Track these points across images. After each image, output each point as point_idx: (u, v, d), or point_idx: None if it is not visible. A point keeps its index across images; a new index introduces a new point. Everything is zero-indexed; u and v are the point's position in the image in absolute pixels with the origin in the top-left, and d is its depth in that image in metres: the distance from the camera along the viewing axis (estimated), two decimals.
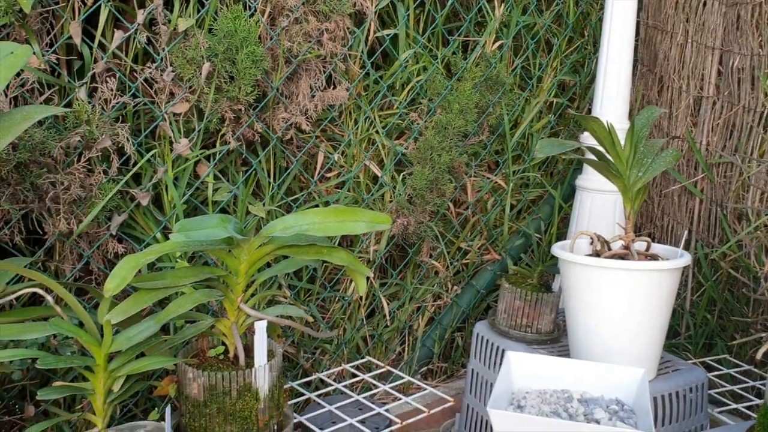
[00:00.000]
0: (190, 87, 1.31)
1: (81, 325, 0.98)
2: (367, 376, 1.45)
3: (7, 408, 1.24)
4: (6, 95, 1.12)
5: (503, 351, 1.47)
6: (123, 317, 0.97)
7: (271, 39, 1.40)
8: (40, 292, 0.94)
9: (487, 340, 1.51)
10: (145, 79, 1.30)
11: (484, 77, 1.77)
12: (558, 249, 1.31)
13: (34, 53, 1.14)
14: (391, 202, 1.70)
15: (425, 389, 1.45)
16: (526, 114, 1.93)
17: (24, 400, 1.26)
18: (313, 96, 1.48)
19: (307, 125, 1.48)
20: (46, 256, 1.24)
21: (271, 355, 1.15)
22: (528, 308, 1.50)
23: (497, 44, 1.83)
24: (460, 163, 1.78)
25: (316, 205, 1.59)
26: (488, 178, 1.90)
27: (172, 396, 1.30)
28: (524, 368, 1.17)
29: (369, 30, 1.60)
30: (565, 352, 1.43)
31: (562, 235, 1.98)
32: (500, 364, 1.47)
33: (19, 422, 1.26)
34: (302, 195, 1.57)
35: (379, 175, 1.67)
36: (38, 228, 1.22)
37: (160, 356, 1.01)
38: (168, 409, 1.01)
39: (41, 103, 1.18)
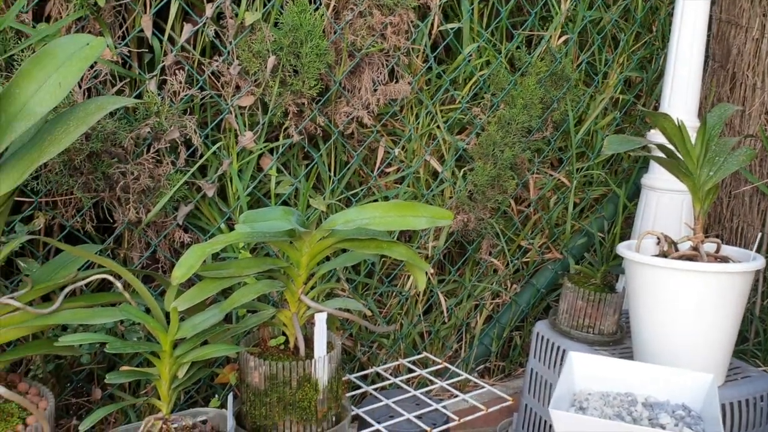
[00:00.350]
0: (256, 80, 1.33)
1: (148, 311, 1.01)
2: (424, 372, 1.45)
3: (76, 390, 1.28)
4: (80, 86, 1.16)
5: (564, 351, 1.44)
6: (189, 305, 0.99)
7: (335, 33, 1.40)
8: (110, 278, 0.97)
9: (548, 340, 1.49)
10: (212, 72, 1.32)
11: (548, 72, 1.74)
12: (624, 249, 1.28)
13: (107, 46, 1.18)
14: (451, 198, 1.69)
15: (482, 387, 1.44)
16: (591, 110, 1.89)
17: (91, 383, 1.30)
18: (376, 90, 1.48)
19: (369, 119, 1.49)
20: (115, 243, 1.28)
21: (330, 347, 1.15)
22: (590, 309, 1.47)
23: (562, 39, 1.79)
24: (522, 160, 1.75)
25: (376, 200, 1.59)
26: (551, 175, 1.87)
27: (232, 384, 1.32)
28: (587, 369, 1.14)
29: (433, 24, 1.59)
30: (627, 355, 1.40)
31: (625, 235, 1.93)
32: (561, 364, 1.45)
33: (86, 404, 1.30)
34: (362, 189, 1.58)
35: (440, 170, 1.67)
36: (108, 216, 1.26)
37: (224, 344, 1.02)
38: (230, 397, 1.02)
39: (113, 95, 1.21)
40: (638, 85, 1.99)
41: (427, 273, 1.12)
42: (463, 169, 1.71)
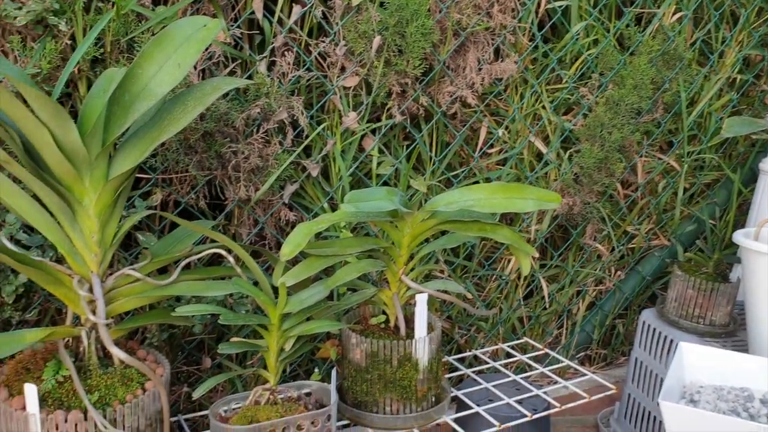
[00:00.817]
0: (361, 61, 1.34)
1: (256, 285, 1.04)
2: (524, 357, 1.43)
3: (187, 359, 1.35)
4: (195, 68, 1.20)
5: (671, 341, 1.39)
6: (296, 281, 1.02)
7: (440, 11, 1.39)
8: (223, 252, 1.00)
9: (654, 329, 1.44)
10: (319, 53, 1.34)
11: (660, 51, 1.66)
12: (741, 237, 1.21)
13: (221, 27, 1.21)
14: (555, 180, 1.65)
15: (584, 375, 1.40)
16: (705, 91, 1.79)
17: (201, 353, 1.36)
18: (480, 69, 1.46)
19: (473, 99, 1.47)
20: (226, 220, 1.32)
21: (430, 328, 1.15)
22: (701, 298, 1.41)
23: (676, 17, 1.71)
24: (631, 142, 1.69)
25: (476, 182, 1.58)
26: (660, 158, 1.79)
27: (333, 359, 1.35)
28: (698, 361, 1.09)
29: (540, 2, 1.55)
30: (740, 347, 1.33)
31: (739, 223, 1.83)
32: (667, 354, 1.39)
33: (197, 372, 1.36)
34: (463, 171, 1.56)
35: (544, 152, 1.63)
36: (220, 194, 1.30)
37: (328, 320, 1.04)
38: (333, 372, 1.04)
39: (226, 76, 1.25)
40: (759, 64, 1.87)
41: (532, 257, 1.10)
42: (568, 151, 1.66)
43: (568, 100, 1.67)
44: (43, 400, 0.85)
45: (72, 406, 0.85)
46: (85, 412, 0.84)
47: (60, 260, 1.09)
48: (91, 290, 0.90)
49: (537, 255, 1.08)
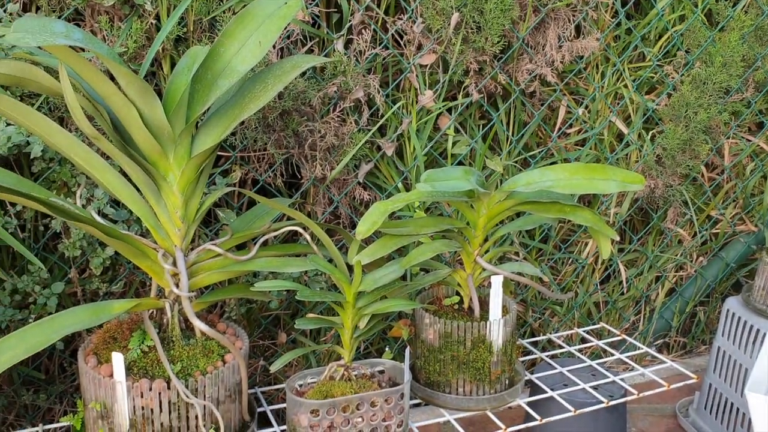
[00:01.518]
0: (438, 38, 1.32)
1: (331, 263, 1.05)
2: (600, 343, 1.40)
3: (263, 333, 1.38)
4: (274, 47, 1.21)
5: (758, 331, 1.33)
6: (370, 259, 1.02)
7: None
8: (300, 230, 1.01)
9: (740, 318, 1.38)
10: (396, 31, 1.33)
11: (753, 27, 1.58)
12: None
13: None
14: (637, 162, 1.59)
15: (662, 362, 1.36)
16: None
17: (277, 328, 1.39)
18: (561, 46, 1.42)
19: (552, 77, 1.43)
20: (301, 198, 1.34)
21: (505, 310, 1.14)
22: None
23: None
24: (718, 123, 1.61)
25: (554, 162, 1.54)
26: (749, 140, 1.70)
27: (404, 338, 1.35)
28: None
29: None
30: None
31: None
32: (753, 344, 1.34)
33: (272, 347, 1.39)
34: (540, 151, 1.53)
35: (626, 132, 1.57)
36: (297, 172, 1.32)
37: (402, 299, 1.04)
38: (407, 351, 1.05)
39: (305, 54, 1.26)
40: None
41: (612, 240, 1.07)
42: (651, 132, 1.60)
43: (652, 79, 1.61)
44: (128, 369, 0.88)
45: (156, 375, 0.88)
46: (168, 381, 0.87)
47: (144, 235, 1.13)
48: (174, 264, 0.92)
49: (617, 238, 1.05)
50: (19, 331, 0.81)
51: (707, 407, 1.45)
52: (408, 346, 1.07)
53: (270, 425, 1.07)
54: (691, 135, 1.54)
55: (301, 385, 1.04)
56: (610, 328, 1.47)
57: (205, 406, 0.89)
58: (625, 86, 1.57)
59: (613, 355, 1.35)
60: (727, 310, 1.42)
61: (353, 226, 1.39)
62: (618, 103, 1.58)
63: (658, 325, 1.74)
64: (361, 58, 1.29)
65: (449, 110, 1.41)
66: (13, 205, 1.11)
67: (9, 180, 0.85)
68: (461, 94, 1.41)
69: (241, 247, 1.04)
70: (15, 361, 0.79)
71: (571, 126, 1.57)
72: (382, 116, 1.34)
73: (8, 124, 1.05)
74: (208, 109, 0.90)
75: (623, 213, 1.60)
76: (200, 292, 1.17)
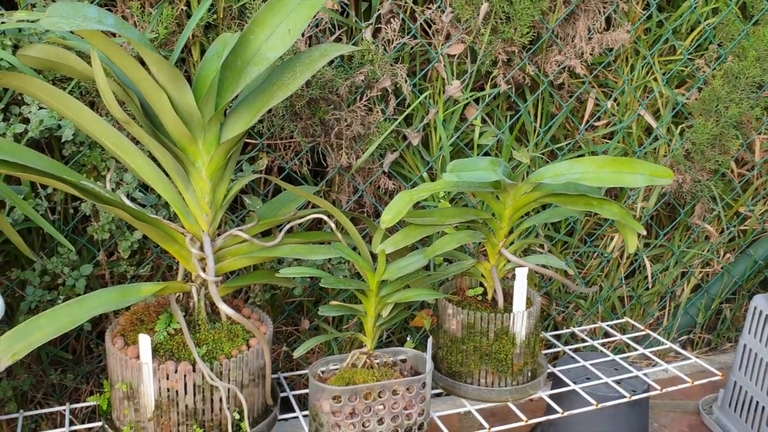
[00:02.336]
0: (467, 28, 1.32)
1: (355, 251, 1.05)
2: (624, 337, 1.39)
3: (286, 320, 1.39)
4: (303, 35, 1.21)
5: None
6: (394, 248, 1.02)
7: None
8: (325, 218, 1.02)
9: (767, 316, 1.36)
10: (424, 20, 1.32)
11: None
12: None
13: None
14: (665, 156, 1.57)
15: (686, 359, 1.35)
16: None
17: (300, 314, 1.40)
18: (590, 38, 1.41)
19: (581, 69, 1.42)
20: (326, 187, 1.34)
21: (529, 302, 1.14)
22: None
23: None
24: (749, 118, 1.59)
25: (581, 155, 1.53)
26: None
27: (426, 328, 1.35)
28: None
29: None
30: None
31: None
32: None
33: (294, 333, 1.40)
34: (568, 144, 1.52)
35: (654, 126, 1.56)
36: (322, 161, 1.32)
37: (426, 289, 1.04)
38: (429, 340, 1.05)
39: (333, 42, 1.26)
40: None
41: (638, 235, 1.06)
42: (680, 126, 1.58)
43: (682, 73, 1.59)
44: (155, 351, 0.89)
45: (182, 358, 0.89)
46: (193, 364, 0.88)
47: (172, 219, 1.14)
48: (201, 248, 0.93)
49: (644, 233, 1.04)
50: (49, 311, 0.82)
51: (732, 405, 1.44)
52: (430, 336, 1.08)
53: (292, 410, 1.08)
54: (722, 130, 1.52)
55: (323, 372, 1.05)
56: (634, 323, 1.46)
57: (229, 389, 0.90)
58: (655, 80, 1.55)
59: (636, 350, 1.34)
60: (755, 308, 1.40)
61: (377, 215, 1.40)
62: (647, 97, 1.56)
63: (683, 321, 1.72)
64: (389, 47, 1.29)
65: (476, 101, 1.41)
66: (44, 187, 1.13)
67: (41, 163, 0.86)
68: (489, 84, 1.40)
69: (266, 234, 1.05)
70: (45, 340, 0.80)
71: (599, 119, 1.56)
72: (409, 106, 1.34)
73: (40, 108, 1.07)
74: (236, 96, 0.91)
75: (650, 207, 1.59)
76: (225, 277, 1.18)
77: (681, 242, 1.68)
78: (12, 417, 1.09)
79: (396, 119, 1.32)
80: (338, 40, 1.27)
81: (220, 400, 0.90)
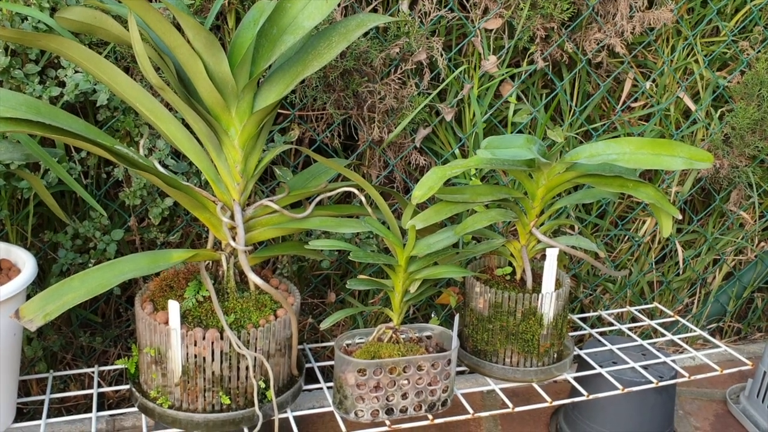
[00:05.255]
0: (506, 2, 1.29)
1: (384, 225, 1.04)
2: (653, 322, 1.37)
3: (312, 292, 1.39)
4: (339, 5, 1.20)
5: None
6: (424, 225, 1.01)
7: None
8: (355, 191, 1.01)
9: None
10: None
11: None
12: None
13: None
14: (703, 140, 1.54)
15: (716, 347, 1.33)
16: None
17: (326, 287, 1.40)
18: (632, 16, 1.37)
19: (621, 48, 1.38)
20: (357, 160, 1.33)
21: (558, 284, 1.13)
22: None
23: None
24: None
25: (616, 136, 1.50)
26: None
27: (452, 306, 1.34)
28: None
29: None
30: None
31: None
32: None
33: (320, 305, 1.40)
34: (603, 124, 1.49)
35: (693, 109, 1.52)
36: (354, 134, 1.31)
37: (454, 266, 1.04)
38: (456, 317, 1.04)
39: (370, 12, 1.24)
40: None
41: (673, 219, 1.04)
42: (720, 110, 1.54)
43: (725, 55, 1.54)
44: (183, 317, 0.90)
45: (209, 325, 0.90)
46: (221, 331, 0.88)
47: (203, 188, 1.14)
48: (232, 217, 0.93)
49: (679, 217, 1.02)
50: (81, 274, 0.83)
51: (760, 395, 1.41)
52: (457, 314, 1.07)
53: (316, 381, 1.09)
54: (763, 115, 1.48)
55: (348, 345, 1.05)
56: (663, 308, 1.44)
57: (255, 357, 0.90)
58: (696, 61, 1.51)
59: (664, 335, 1.33)
60: None
61: (407, 191, 1.39)
62: (687, 79, 1.53)
63: (713, 309, 1.70)
64: (426, 19, 1.26)
65: (512, 77, 1.38)
66: (78, 151, 1.13)
67: (77, 126, 0.86)
68: (525, 61, 1.38)
69: (295, 206, 1.04)
70: (77, 302, 0.81)
71: (636, 100, 1.52)
72: (443, 80, 1.32)
73: (76, 71, 1.07)
74: (270, 65, 0.90)
75: (685, 192, 1.56)
76: (254, 247, 1.19)
77: (715, 229, 1.65)
78: (42, 377, 1.11)
79: (430, 94, 1.30)
80: (374, 11, 1.25)
81: (247, 368, 0.90)
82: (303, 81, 1.21)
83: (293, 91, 1.22)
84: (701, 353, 1.27)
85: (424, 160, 1.35)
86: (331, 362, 1.09)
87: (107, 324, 1.27)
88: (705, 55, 1.51)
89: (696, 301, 1.69)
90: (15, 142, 0.94)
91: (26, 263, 0.93)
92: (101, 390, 1.06)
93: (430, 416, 1.01)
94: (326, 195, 1.02)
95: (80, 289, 0.82)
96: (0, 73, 1.03)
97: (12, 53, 1.05)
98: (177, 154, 1.18)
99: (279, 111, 1.25)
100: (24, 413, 1.21)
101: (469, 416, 1.04)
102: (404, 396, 0.99)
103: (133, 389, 0.95)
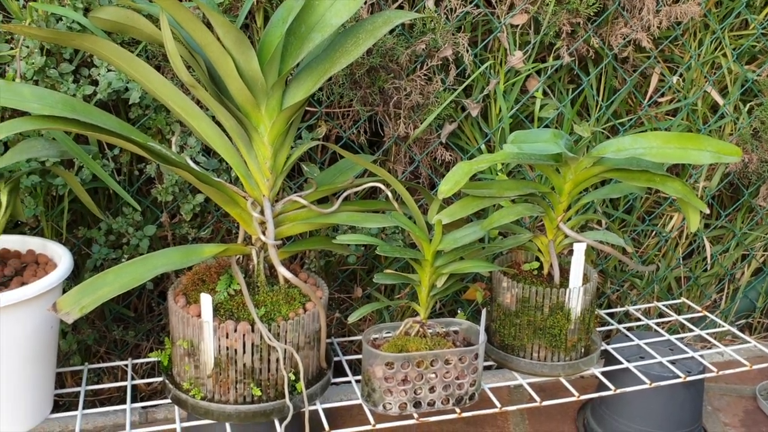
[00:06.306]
0: None
1: (410, 220, 1.05)
2: (680, 318, 1.36)
3: (339, 287, 1.40)
4: (365, 2, 1.21)
5: None
6: (451, 219, 1.02)
7: None
8: (382, 186, 1.02)
9: None
10: None
11: None
12: None
13: None
14: (731, 135, 1.53)
15: (746, 342, 1.32)
16: None
17: (353, 282, 1.41)
18: (659, 11, 1.37)
19: (648, 43, 1.38)
20: (383, 156, 1.34)
21: (585, 278, 1.13)
22: None
23: None
24: None
25: (643, 131, 1.49)
26: None
27: (478, 302, 1.35)
28: None
29: None
30: None
31: None
32: None
33: (347, 300, 1.42)
34: (630, 119, 1.48)
35: (721, 103, 1.51)
36: (380, 130, 1.32)
37: (481, 261, 1.04)
38: (484, 312, 1.05)
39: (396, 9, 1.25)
40: None
41: (701, 213, 1.04)
42: (748, 104, 1.53)
43: (754, 48, 1.53)
44: (215, 310, 0.92)
45: (241, 318, 0.91)
46: (252, 324, 0.90)
47: (233, 184, 1.16)
48: (262, 212, 0.95)
49: (707, 211, 1.01)
50: (116, 268, 0.85)
51: None
52: (483, 309, 1.08)
53: (344, 374, 1.10)
54: None
55: (376, 339, 1.06)
56: (691, 304, 1.43)
57: (286, 350, 0.92)
58: (724, 55, 1.50)
59: (692, 331, 1.32)
60: None
61: (432, 186, 1.39)
62: (714, 73, 1.51)
63: (741, 305, 1.68)
64: (452, 16, 1.27)
65: (538, 72, 1.38)
66: (111, 148, 1.16)
67: (111, 123, 0.88)
68: (551, 56, 1.38)
69: (322, 201, 1.06)
70: (111, 296, 0.83)
71: (663, 95, 1.51)
72: (469, 76, 1.32)
73: (109, 70, 1.09)
74: (298, 63, 0.91)
75: (712, 187, 1.55)
76: (283, 242, 1.20)
77: (743, 224, 1.63)
78: (76, 369, 1.14)
79: (455, 89, 1.30)
80: (400, 8, 1.26)
81: (277, 360, 0.92)
82: (330, 78, 1.22)
83: (320, 89, 1.24)
84: (730, 349, 1.27)
85: (450, 155, 1.36)
86: (358, 356, 1.10)
87: (139, 318, 1.29)
88: (733, 49, 1.50)
89: (724, 297, 1.67)
90: (51, 140, 0.96)
91: (62, 258, 0.95)
92: (134, 382, 1.09)
93: (457, 410, 1.02)
94: (353, 190, 1.03)
95: (115, 282, 0.84)
96: (36, 72, 1.05)
97: (47, 53, 1.08)
98: (207, 151, 1.20)
99: (306, 108, 1.26)
100: (59, 405, 1.24)
101: (496, 410, 1.05)
102: (432, 389, 1.00)
103: (167, 381, 0.97)
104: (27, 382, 0.90)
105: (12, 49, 1.06)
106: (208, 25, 0.85)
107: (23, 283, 0.91)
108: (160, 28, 0.83)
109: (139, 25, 0.89)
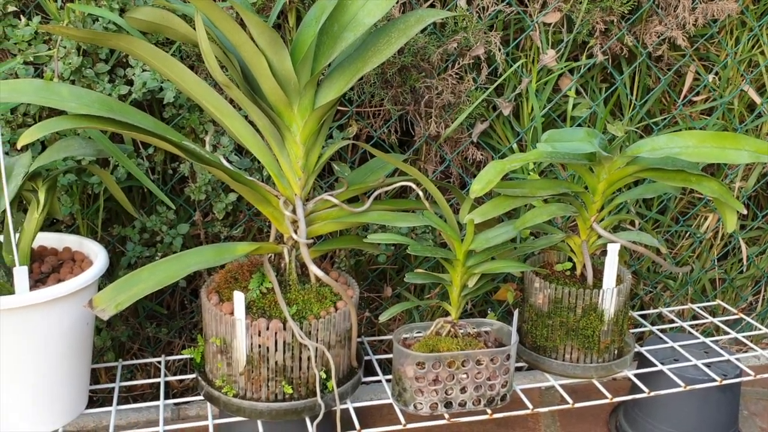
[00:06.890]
0: None
1: (442, 219, 1.05)
2: (716, 320, 1.34)
3: (369, 287, 1.40)
4: (397, 1, 1.20)
5: None
6: (482, 219, 1.01)
7: None
8: (413, 185, 1.02)
9: None
10: None
11: None
12: None
13: None
14: None
15: None
16: None
17: (382, 282, 1.41)
18: (695, 8, 1.34)
19: (683, 41, 1.36)
20: (414, 155, 1.34)
21: (619, 279, 1.11)
22: None
23: None
24: None
25: (678, 131, 1.47)
26: None
27: (509, 302, 1.34)
28: None
29: None
30: None
31: None
32: None
33: (377, 299, 1.42)
34: (664, 118, 1.46)
35: (758, 102, 1.48)
36: (410, 129, 1.32)
37: (513, 261, 1.03)
38: (516, 312, 1.04)
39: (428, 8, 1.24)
40: None
41: (738, 214, 1.02)
42: None
43: None
44: (248, 308, 0.92)
45: (273, 316, 0.92)
46: (284, 322, 0.90)
47: (265, 183, 1.16)
48: (294, 211, 0.95)
49: (744, 211, 0.99)
50: (150, 266, 0.86)
51: None
52: (516, 309, 1.07)
53: (375, 373, 1.10)
54: None
55: (407, 338, 1.06)
56: (727, 306, 1.41)
57: (317, 348, 0.92)
58: (762, 53, 1.47)
59: (727, 333, 1.30)
60: None
61: (463, 186, 1.39)
62: (752, 71, 1.49)
63: None
64: (484, 14, 1.26)
65: (571, 71, 1.37)
66: (145, 147, 1.17)
67: (146, 122, 0.89)
68: (584, 55, 1.36)
69: (352, 200, 1.06)
70: (146, 293, 0.84)
71: (698, 94, 1.49)
72: (501, 75, 1.31)
73: (144, 70, 1.11)
74: (330, 63, 0.91)
75: (749, 187, 1.52)
76: (314, 241, 1.21)
77: None
78: (110, 365, 1.15)
79: (487, 88, 1.30)
80: (432, 6, 1.26)
81: (309, 358, 0.92)
82: (361, 78, 1.22)
83: (351, 88, 1.24)
84: (767, 352, 1.24)
85: (481, 155, 1.35)
86: (389, 356, 1.10)
87: (172, 315, 1.31)
88: None
89: (761, 299, 1.64)
90: (87, 139, 0.98)
91: (98, 255, 0.97)
92: (167, 379, 1.10)
93: (488, 411, 1.01)
94: (383, 190, 1.03)
95: (149, 280, 0.85)
96: (73, 72, 1.07)
97: (83, 53, 1.09)
98: (240, 150, 1.21)
99: (338, 108, 1.26)
100: (94, 401, 1.26)
101: (528, 411, 1.04)
102: (463, 390, 0.99)
103: (199, 378, 0.98)
104: (63, 378, 0.92)
105: (50, 49, 1.07)
106: (242, 25, 0.85)
107: (60, 280, 0.93)
108: (194, 28, 0.84)
109: (174, 25, 0.90)
